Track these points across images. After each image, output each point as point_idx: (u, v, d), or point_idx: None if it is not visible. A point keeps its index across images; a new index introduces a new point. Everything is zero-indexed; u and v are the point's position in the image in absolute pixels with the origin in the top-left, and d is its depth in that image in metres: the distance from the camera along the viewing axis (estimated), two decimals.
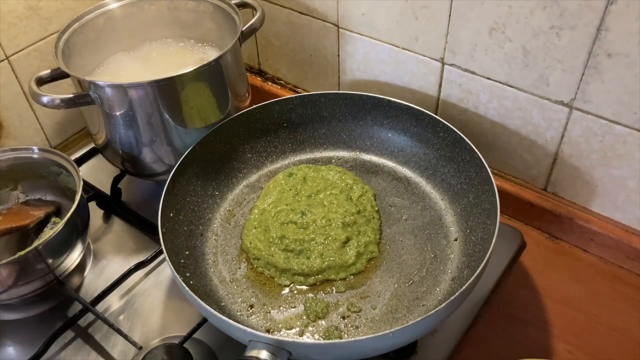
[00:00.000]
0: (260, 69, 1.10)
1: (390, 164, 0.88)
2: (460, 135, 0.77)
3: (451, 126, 0.78)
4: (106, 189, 0.91)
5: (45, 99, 0.75)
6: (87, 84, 0.76)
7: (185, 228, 0.77)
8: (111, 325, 0.73)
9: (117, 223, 0.89)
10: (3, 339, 0.75)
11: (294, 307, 0.71)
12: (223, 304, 0.72)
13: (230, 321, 0.60)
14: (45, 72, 0.80)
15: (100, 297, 0.76)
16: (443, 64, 0.82)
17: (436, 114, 0.82)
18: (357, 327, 0.69)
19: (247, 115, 0.85)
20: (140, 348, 0.71)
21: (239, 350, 0.65)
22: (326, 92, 0.87)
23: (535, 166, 0.83)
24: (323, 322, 0.70)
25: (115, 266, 0.83)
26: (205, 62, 0.77)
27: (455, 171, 0.80)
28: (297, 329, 0.69)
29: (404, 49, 0.85)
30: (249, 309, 0.72)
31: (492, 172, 0.72)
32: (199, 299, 0.62)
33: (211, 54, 0.91)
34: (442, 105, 0.87)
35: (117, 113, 0.78)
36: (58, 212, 0.84)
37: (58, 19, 0.92)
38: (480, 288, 0.74)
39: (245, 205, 0.84)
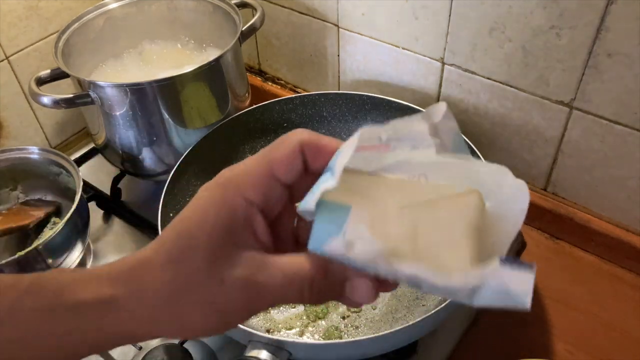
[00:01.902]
0: (260, 69, 1.10)
1: None
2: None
3: None
4: (106, 189, 0.91)
5: (45, 99, 0.75)
6: (87, 84, 0.76)
7: None
8: None
9: (117, 223, 0.89)
10: None
11: (294, 307, 0.71)
12: None
13: None
14: (45, 72, 0.80)
15: None
16: (443, 63, 0.82)
17: None
18: (357, 327, 0.69)
19: (247, 115, 0.85)
20: (140, 348, 0.70)
21: (239, 350, 0.65)
22: (326, 92, 0.87)
23: (535, 166, 0.82)
24: (323, 322, 0.70)
25: None
26: (205, 62, 0.77)
27: None
28: (297, 329, 0.69)
29: (404, 49, 0.85)
30: None
31: None
32: None
33: (211, 54, 0.91)
34: None
35: (117, 113, 0.78)
36: (58, 212, 0.84)
37: (58, 19, 0.92)
38: None
39: None
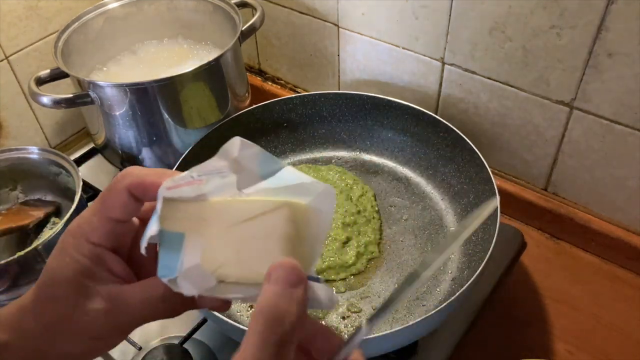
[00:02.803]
0: (260, 69, 1.10)
1: (390, 164, 0.88)
2: (460, 135, 0.77)
3: (451, 126, 0.78)
4: None
5: (44, 99, 0.75)
6: (87, 84, 0.76)
7: None
8: None
9: None
10: None
11: None
12: None
13: (230, 321, 0.60)
14: (45, 72, 0.80)
15: None
16: (443, 63, 0.82)
17: (436, 114, 0.82)
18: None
19: (247, 115, 0.85)
20: (140, 348, 0.70)
21: None
22: (326, 92, 0.87)
23: (535, 166, 0.82)
24: (323, 322, 0.70)
25: None
26: (205, 62, 0.77)
27: (456, 171, 0.80)
28: None
29: (404, 48, 0.85)
30: (249, 309, 0.72)
31: (493, 172, 0.72)
32: None
33: (211, 54, 0.91)
34: (443, 104, 0.87)
35: (117, 113, 0.78)
36: (58, 212, 0.84)
37: (58, 19, 0.92)
38: (481, 288, 0.74)
39: None
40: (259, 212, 0.36)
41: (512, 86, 0.77)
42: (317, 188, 0.36)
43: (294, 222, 0.36)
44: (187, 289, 0.35)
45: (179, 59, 0.91)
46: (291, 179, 0.36)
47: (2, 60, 0.88)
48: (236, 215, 0.36)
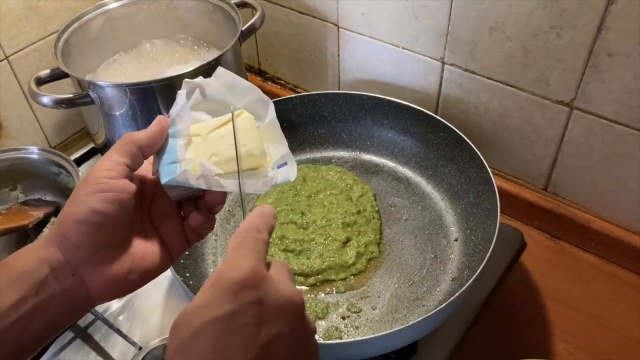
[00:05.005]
0: (260, 68, 1.10)
1: (390, 164, 0.88)
2: (460, 135, 0.77)
3: (451, 126, 0.78)
4: None
5: (44, 99, 0.75)
6: (87, 84, 0.76)
7: None
8: (111, 326, 0.72)
9: None
10: None
11: None
12: None
13: None
14: (45, 72, 0.80)
15: None
16: (443, 63, 0.82)
17: (436, 114, 0.82)
18: (357, 328, 0.69)
19: None
20: (140, 348, 0.70)
21: None
22: (326, 92, 0.87)
23: (535, 166, 0.82)
24: (323, 322, 0.70)
25: None
26: (205, 62, 0.77)
27: (456, 171, 0.80)
28: None
29: (404, 48, 0.85)
30: None
31: (493, 172, 0.72)
32: None
33: (211, 54, 0.91)
34: (442, 105, 0.87)
35: (117, 113, 0.78)
36: (57, 213, 0.83)
37: (58, 18, 0.92)
38: (481, 288, 0.74)
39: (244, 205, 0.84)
40: (227, 119, 0.47)
41: (512, 86, 0.77)
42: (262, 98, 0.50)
43: (252, 118, 0.48)
44: (193, 180, 0.43)
45: (179, 59, 0.91)
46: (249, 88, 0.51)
47: (2, 60, 0.88)
48: (211, 126, 0.47)
